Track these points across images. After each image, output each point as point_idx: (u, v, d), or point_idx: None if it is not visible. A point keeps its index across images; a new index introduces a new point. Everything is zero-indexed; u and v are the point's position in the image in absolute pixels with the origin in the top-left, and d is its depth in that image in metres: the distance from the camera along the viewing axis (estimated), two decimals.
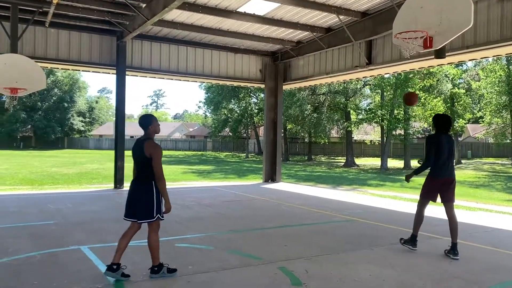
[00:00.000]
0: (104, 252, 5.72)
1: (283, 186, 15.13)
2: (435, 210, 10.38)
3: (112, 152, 13.71)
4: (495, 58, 26.99)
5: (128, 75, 13.54)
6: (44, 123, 54.66)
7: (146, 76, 14.71)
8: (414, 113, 31.52)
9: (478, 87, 33.60)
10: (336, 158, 44.91)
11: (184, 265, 5.19)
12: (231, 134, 47.98)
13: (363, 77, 21.31)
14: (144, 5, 10.73)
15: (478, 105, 37.81)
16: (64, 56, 12.63)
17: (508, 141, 28.70)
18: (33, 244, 6.15)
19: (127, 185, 13.83)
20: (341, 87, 32.13)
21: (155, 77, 14.93)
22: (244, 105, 42.38)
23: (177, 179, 18.31)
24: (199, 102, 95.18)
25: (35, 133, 56.63)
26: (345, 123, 33.73)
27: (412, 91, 6.30)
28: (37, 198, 11.09)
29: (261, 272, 5.01)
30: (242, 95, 41.18)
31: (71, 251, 5.79)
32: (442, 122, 6.05)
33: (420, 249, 6.15)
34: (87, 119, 65.15)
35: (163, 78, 15.13)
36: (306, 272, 5.00)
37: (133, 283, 4.52)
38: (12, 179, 16.33)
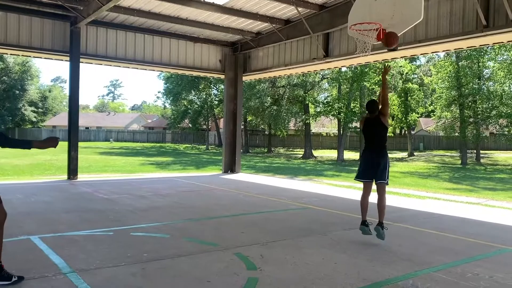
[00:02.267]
0: (55, 241, 5.57)
1: (242, 176, 15.21)
2: (387, 198, 10.79)
3: (66, 143, 13.26)
4: (445, 54, 28.21)
5: (82, 62, 13.11)
6: None
7: (101, 64, 14.30)
8: None
9: (430, 82, 34.99)
10: (295, 150, 45.56)
11: (140, 252, 5.14)
12: (190, 125, 47.57)
13: (321, 70, 21.65)
14: None
15: (430, 99, 39.43)
16: (13, 41, 12.05)
17: (456, 134, 30.10)
18: None
19: (81, 176, 13.49)
20: (300, 80, 32.56)
21: (110, 65, 14.54)
22: (204, 96, 42.08)
23: (134, 171, 17.99)
24: (158, 92, 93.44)
25: None
26: (304, 115, 34.24)
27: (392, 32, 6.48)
28: None
29: (217, 257, 5.04)
30: (202, 86, 40.87)
31: (20, 241, 5.60)
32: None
33: (372, 234, 6.37)
34: (40, 110, 62.51)
35: (119, 66, 14.74)
36: (261, 257, 5.09)
37: (85, 272, 4.43)
38: None
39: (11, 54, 14.89)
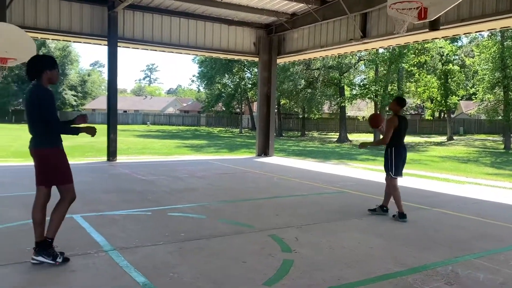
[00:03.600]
0: (97, 220, 5.78)
1: (275, 160, 15.22)
2: (425, 182, 10.55)
3: (105, 126, 13.64)
4: (489, 34, 26.91)
5: (120, 46, 13.35)
6: None
7: (138, 48, 14.50)
8: (407, 89, 31.58)
9: (472, 63, 33.55)
10: (329, 133, 45.07)
11: (177, 232, 5.26)
12: (224, 109, 47.83)
13: (357, 51, 21.19)
14: None
15: (472, 81, 37.88)
16: (54, 26, 12.37)
17: (499, 117, 28.83)
18: (26, 212, 6.14)
19: (120, 158, 13.87)
20: (335, 62, 31.96)
21: (147, 49, 14.72)
22: (237, 79, 42.10)
23: (170, 153, 18.33)
24: (193, 76, 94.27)
25: None
26: (339, 98, 33.70)
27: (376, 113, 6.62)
28: (30, 169, 11.05)
29: (252, 239, 5.09)
30: (235, 69, 40.85)
31: (65, 220, 5.82)
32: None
33: (409, 219, 6.26)
34: (79, 93, 64.46)
35: (156, 50, 14.93)
36: (296, 239, 5.10)
37: (125, 250, 4.58)
38: (4, 152, 16.25)
39: (52, 39, 15.36)
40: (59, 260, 4.10)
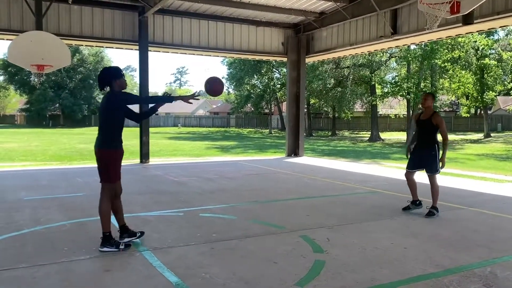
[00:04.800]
0: (131, 221, 5.88)
1: (306, 160, 15.13)
2: (461, 181, 10.23)
3: (137, 129, 13.94)
4: None
5: (150, 50, 13.61)
6: (72, 101, 55.80)
7: (168, 52, 14.75)
8: (441, 86, 30.74)
9: (509, 57, 32.30)
10: (361, 132, 44.42)
11: (208, 233, 5.31)
12: (253, 110, 47.95)
13: (388, 48, 20.78)
14: None
15: (510, 76, 36.46)
16: (87, 33, 12.76)
17: None
18: (63, 214, 6.39)
19: (152, 160, 14.14)
20: (365, 60, 31.46)
21: (177, 53, 14.96)
22: (266, 80, 42.13)
23: (201, 154, 18.53)
24: (222, 78, 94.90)
25: (63, 111, 57.92)
26: (370, 97, 33.16)
27: None
28: (66, 172, 11.45)
29: (284, 239, 5.08)
30: (264, 70, 40.90)
31: (99, 221, 5.98)
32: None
33: (444, 219, 6.11)
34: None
35: (185, 54, 15.13)
36: (328, 240, 5.05)
37: (159, 250, 4.66)
38: (43, 155, 16.86)
39: (86, 46, 15.84)
40: (122, 247, 4.57)
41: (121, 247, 4.58)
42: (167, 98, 4.73)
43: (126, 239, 4.70)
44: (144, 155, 13.52)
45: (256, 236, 5.21)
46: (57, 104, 57.44)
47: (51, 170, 11.93)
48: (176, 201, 7.36)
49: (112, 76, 4.67)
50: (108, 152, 4.67)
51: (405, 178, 6.83)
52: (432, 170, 6.36)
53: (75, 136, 32.60)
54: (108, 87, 4.68)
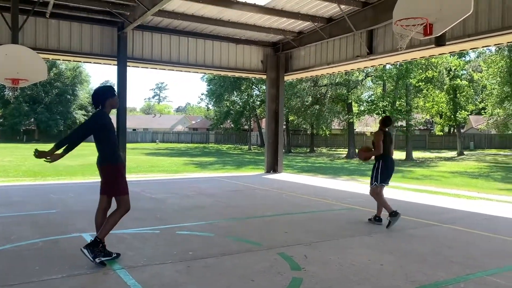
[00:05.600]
0: (105, 239, 5.77)
1: (284, 176, 15.18)
2: (436, 198, 10.43)
3: None
4: (497, 48, 26.89)
5: (129, 66, 13.53)
6: (47, 116, 54.70)
7: (147, 67, 14.70)
8: (416, 105, 31.50)
9: (480, 78, 33.44)
10: (338, 149, 44.92)
11: (185, 251, 5.24)
12: (233, 126, 48.01)
13: (364, 67, 21.23)
14: None
15: (481, 96, 37.67)
16: (65, 47, 12.62)
17: (510, 132, 28.58)
18: (35, 231, 6.22)
19: (129, 176, 13.90)
20: (342, 79, 32.05)
21: (156, 68, 14.92)
22: (246, 97, 42.35)
23: (179, 171, 18.38)
24: (201, 94, 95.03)
25: (38, 126, 56.71)
26: (347, 115, 33.68)
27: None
28: (40, 188, 11.17)
29: (261, 257, 5.06)
30: (244, 87, 41.13)
31: (73, 238, 5.85)
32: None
33: (419, 235, 6.20)
34: (89, 113, 65.19)
35: (164, 69, 15.12)
36: (305, 257, 5.05)
37: (133, 268, 4.57)
38: (16, 171, 16.42)
39: (63, 60, 15.63)
40: (97, 260, 4.54)
41: (97, 260, 4.54)
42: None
43: (102, 258, 4.63)
44: None
45: (233, 254, 5.17)
46: (32, 119, 56.22)
47: (24, 186, 11.62)
48: (152, 219, 7.26)
49: (107, 95, 4.83)
50: (114, 167, 4.76)
51: (391, 197, 7.08)
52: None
53: None
54: (101, 106, 4.81)
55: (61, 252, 5.18)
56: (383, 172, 6.94)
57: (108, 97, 4.81)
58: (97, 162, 4.85)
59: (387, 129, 7.15)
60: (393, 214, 6.68)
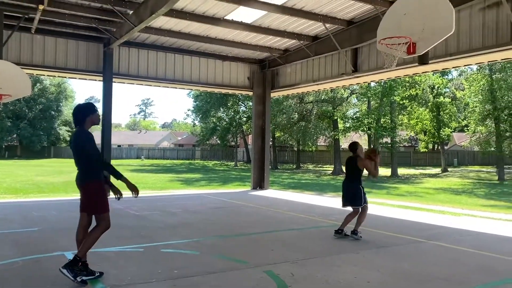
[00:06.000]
0: (88, 257, 5.64)
1: (271, 193, 15.14)
2: (420, 215, 10.50)
3: None
4: (478, 67, 27.54)
5: (115, 82, 13.49)
6: (30, 132, 53.87)
7: (133, 83, 14.67)
8: (400, 122, 31.96)
9: (462, 96, 34.11)
10: (324, 166, 45.10)
11: (170, 269, 5.16)
12: (219, 142, 47.92)
13: (349, 85, 21.57)
14: (131, 12, 10.73)
15: (463, 113, 38.38)
16: (50, 63, 12.54)
17: (492, 149, 29.07)
18: (16, 250, 6.07)
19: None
20: (328, 96, 32.39)
21: (142, 84, 14.90)
22: (232, 113, 42.42)
23: (164, 187, 18.20)
24: (188, 110, 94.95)
25: (21, 142, 55.79)
26: (333, 131, 33.95)
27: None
28: (21, 206, 10.94)
29: (247, 275, 5.00)
30: (230, 103, 41.23)
31: (55, 257, 5.72)
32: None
33: (405, 252, 6.21)
34: (74, 129, 64.38)
35: (151, 85, 15.11)
36: (292, 275, 5.01)
37: (117, 287, 4.48)
38: None
39: (48, 76, 15.52)
40: (78, 279, 4.48)
41: (78, 279, 4.48)
42: (117, 174, 4.76)
43: (84, 277, 4.55)
44: None
45: (219, 272, 5.11)
46: (15, 135, 55.33)
47: (5, 204, 11.36)
48: (136, 236, 7.15)
49: (88, 111, 4.82)
50: (94, 185, 4.72)
51: (368, 212, 7.09)
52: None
53: (32, 168, 31.34)
54: (79, 125, 4.82)
55: (42, 271, 5.05)
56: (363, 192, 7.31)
57: (88, 114, 4.81)
58: (76, 180, 4.83)
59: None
60: (339, 232, 7.17)
